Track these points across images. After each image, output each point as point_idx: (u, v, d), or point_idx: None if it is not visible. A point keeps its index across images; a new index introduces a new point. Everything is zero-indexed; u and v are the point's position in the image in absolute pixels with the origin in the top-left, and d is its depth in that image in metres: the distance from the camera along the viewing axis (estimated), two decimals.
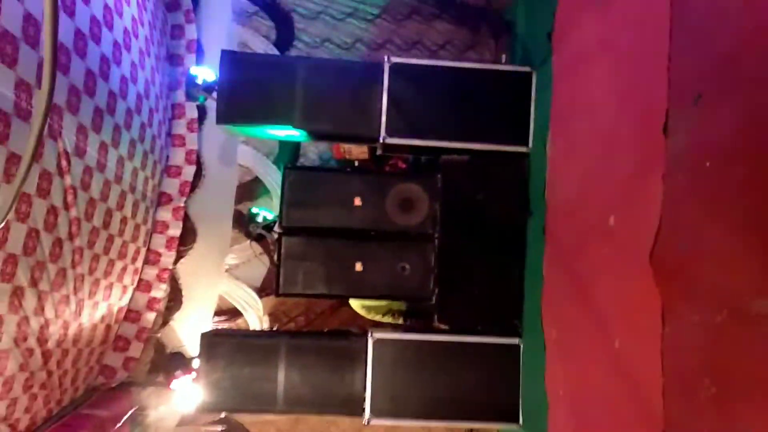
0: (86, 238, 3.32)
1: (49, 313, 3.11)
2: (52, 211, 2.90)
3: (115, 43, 3.33)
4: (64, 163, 2.92)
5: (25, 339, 2.93)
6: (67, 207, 3.04)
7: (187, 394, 3.82)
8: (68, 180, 2.98)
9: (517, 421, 3.56)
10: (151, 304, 4.48)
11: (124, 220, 3.81)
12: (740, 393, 1.75)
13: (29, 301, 2.85)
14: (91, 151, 3.17)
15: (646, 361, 2.21)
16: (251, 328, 4.75)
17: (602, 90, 2.84)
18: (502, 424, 3.67)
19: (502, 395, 3.59)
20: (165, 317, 4.66)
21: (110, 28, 3.25)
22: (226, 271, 4.82)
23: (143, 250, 4.33)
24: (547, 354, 3.26)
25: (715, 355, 1.85)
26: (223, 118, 3.59)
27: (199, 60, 4.68)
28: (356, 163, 4.62)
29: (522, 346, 3.62)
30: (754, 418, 1.70)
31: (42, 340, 3.13)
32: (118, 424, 4.08)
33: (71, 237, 3.14)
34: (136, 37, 3.65)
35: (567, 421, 3.01)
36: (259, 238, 3.97)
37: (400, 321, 4.48)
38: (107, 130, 3.33)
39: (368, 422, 3.55)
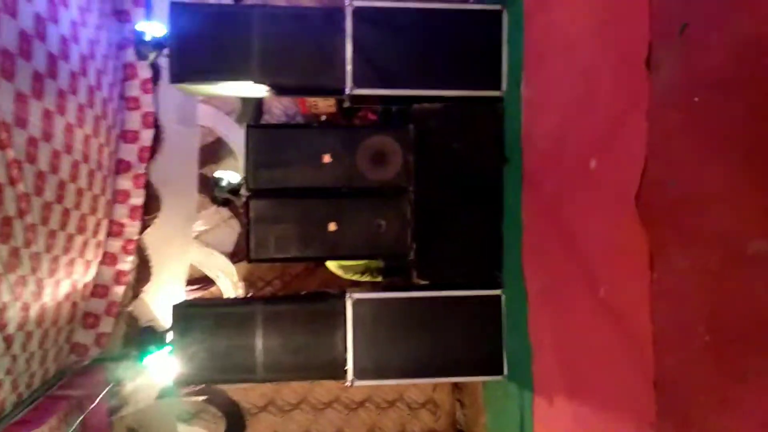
0: (39, 214, 3.10)
1: (6, 296, 2.92)
2: None
3: (50, 0, 3.04)
4: (3, 134, 2.67)
5: None
6: (12, 182, 2.81)
7: (162, 367, 3.70)
8: (10, 153, 2.74)
9: (501, 372, 3.52)
10: (118, 278, 4.29)
11: (79, 192, 3.58)
12: (736, 339, 1.67)
13: None
14: (34, 120, 2.92)
15: (634, 309, 2.13)
16: (226, 296, 4.62)
17: (578, 25, 2.68)
18: (487, 377, 3.63)
19: (485, 348, 3.55)
20: (135, 290, 4.48)
21: None
22: (195, 237, 4.64)
23: (105, 222, 4.11)
24: (530, 303, 3.19)
25: (709, 300, 1.76)
26: (177, 77, 3.36)
27: (149, 14, 4.37)
28: (324, 118, 4.43)
29: (503, 297, 3.55)
30: (750, 364, 1.63)
31: (1, 325, 2.96)
32: (95, 402, 3.96)
33: (21, 214, 2.92)
34: None
35: (554, 369, 2.96)
36: (225, 203, 3.79)
37: (379, 279, 4.38)
38: (50, 95, 3.07)
39: (352, 384, 3.48)
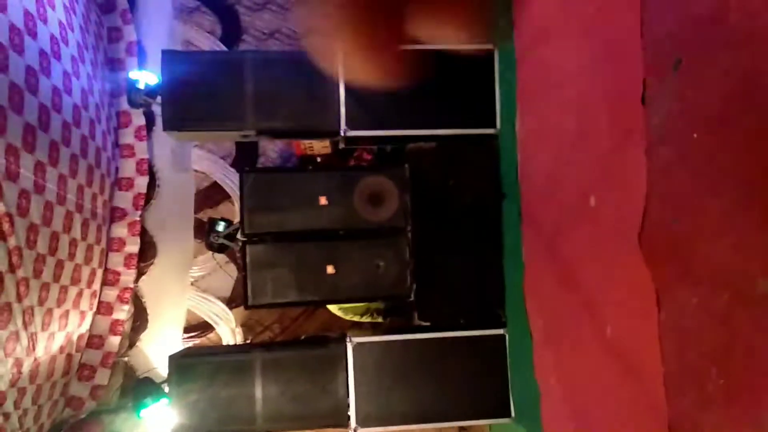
0: (31, 268, 3.06)
1: None
2: None
3: (42, 52, 3.05)
4: None
5: None
6: (3, 237, 2.77)
7: (160, 420, 3.59)
8: (1, 207, 2.71)
9: (509, 415, 3.42)
10: (114, 327, 4.22)
11: (73, 243, 3.54)
12: (749, 383, 1.61)
13: None
14: (26, 173, 2.90)
15: (643, 349, 2.06)
16: (224, 342, 4.53)
17: (570, 62, 2.67)
18: (494, 420, 3.53)
19: (491, 389, 3.45)
20: (131, 339, 4.40)
21: (34, 36, 2.96)
22: (192, 284, 4.57)
23: (99, 272, 4.06)
24: (535, 343, 3.11)
25: (720, 341, 1.70)
26: (169, 125, 3.34)
27: (142, 63, 4.40)
28: (319, 159, 4.41)
29: (507, 337, 3.47)
30: (765, 410, 1.56)
31: None
32: None
33: (12, 269, 2.88)
34: (66, 43, 3.36)
35: (562, 411, 2.87)
36: (221, 249, 3.73)
37: (380, 320, 4.30)
38: (42, 147, 3.05)
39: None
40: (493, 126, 3.54)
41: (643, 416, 2.11)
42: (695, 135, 1.77)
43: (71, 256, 3.53)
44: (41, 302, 3.24)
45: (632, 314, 2.14)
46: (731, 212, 1.63)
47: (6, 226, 2.76)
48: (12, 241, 2.83)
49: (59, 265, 3.39)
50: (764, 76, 1.51)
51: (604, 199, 2.34)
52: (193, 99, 3.35)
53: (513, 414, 3.42)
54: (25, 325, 3.09)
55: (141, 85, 3.44)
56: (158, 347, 4.39)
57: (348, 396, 3.38)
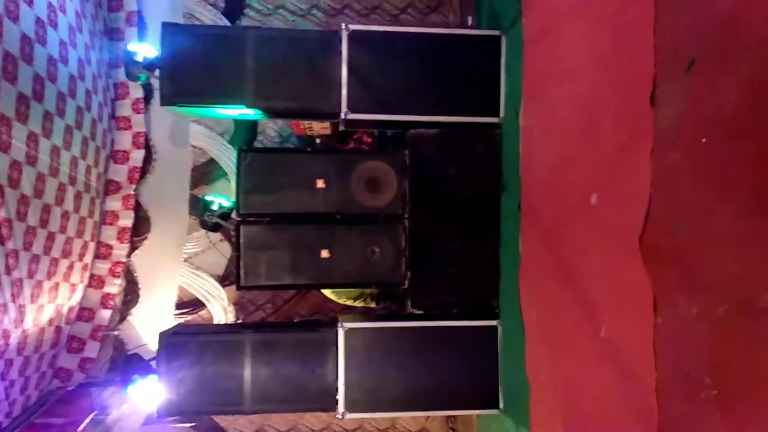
0: (21, 240, 3.01)
1: None
2: None
3: (38, 20, 2.97)
4: None
5: None
6: None
7: (148, 395, 3.58)
8: None
9: (497, 406, 3.41)
10: (105, 301, 4.19)
11: (65, 215, 3.49)
12: (744, 395, 1.58)
13: None
14: (18, 144, 2.84)
15: (637, 353, 2.04)
16: (216, 320, 4.50)
17: (580, 54, 2.61)
18: (482, 411, 3.52)
19: (480, 380, 3.44)
20: (122, 313, 4.38)
21: (30, 3, 2.88)
22: (186, 260, 4.54)
23: (92, 245, 4.02)
24: (527, 337, 3.09)
25: (717, 351, 1.67)
26: (167, 100, 3.26)
27: (142, 34, 4.30)
28: (318, 140, 4.34)
29: (500, 328, 3.45)
30: (759, 424, 1.54)
31: None
32: (78, 429, 3.84)
33: (2, 240, 2.83)
34: (64, 11, 3.28)
35: (551, 407, 2.86)
36: (215, 228, 3.68)
37: (373, 305, 4.27)
38: (35, 118, 2.99)
39: (343, 416, 3.36)
40: (497, 114, 3.48)
41: (633, 420, 2.09)
42: (704, 140, 1.72)
43: (63, 228, 3.48)
44: (31, 275, 3.20)
45: (628, 317, 2.11)
46: (737, 222, 1.59)
47: None
48: (2, 213, 2.78)
49: (50, 237, 3.34)
50: None
51: (606, 199, 2.30)
52: (193, 74, 3.28)
53: (501, 406, 3.42)
54: (14, 297, 3.05)
55: (139, 58, 3.36)
56: (149, 322, 4.37)
57: (337, 381, 3.36)
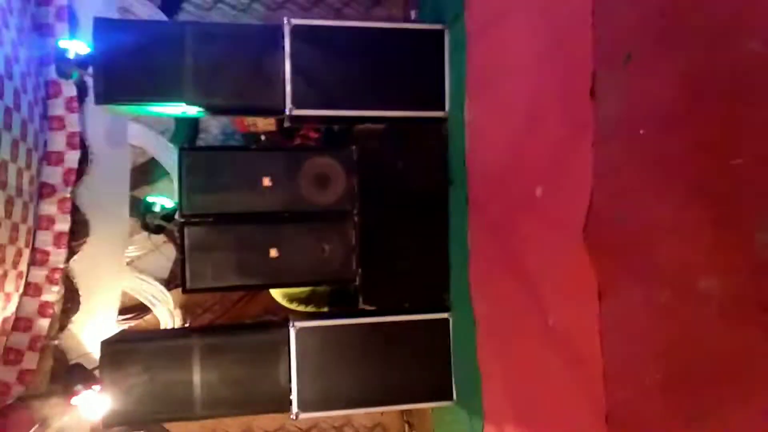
0: None
1: None
2: None
3: None
4: None
5: None
6: None
7: (92, 406, 3.45)
8: None
9: (450, 398, 3.44)
10: (42, 309, 3.99)
11: None
12: (687, 379, 1.64)
13: None
14: None
15: (584, 340, 2.09)
16: (162, 324, 4.37)
17: (521, 50, 2.64)
18: (436, 403, 3.55)
19: (433, 373, 3.46)
20: (62, 321, 4.18)
21: None
22: (128, 264, 4.38)
23: (26, 251, 3.82)
24: (478, 329, 3.13)
25: (660, 337, 1.73)
26: (102, 98, 3.13)
27: (73, 29, 4.10)
28: (263, 137, 4.26)
29: (451, 321, 3.48)
30: (701, 405, 1.59)
31: None
32: None
33: None
34: None
35: (503, 396, 2.90)
36: (158, 230, 3.57)
37: (325, 309, 4.23)
38: None
39: (297, 417, 3.33)
40: (443, 109, 3.49)
41: (582, 406, 2.14)
42: (642, 131, 1.77)
43: None
44: None
45: (574, 306, 2.16)
46: (677, 210, 1.64)
47: None
48: None
49: None
50: (714, 75, 1.50)
51: (550, 191, 2.34)
52: (128, 71, 3.16)
53: (455, 398, 3.45)
54: None
55: (71, 55, 3.21)
56: (91, 330, 4.20)
57: (290, 381, 3.32)
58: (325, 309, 4.22)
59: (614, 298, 1.92)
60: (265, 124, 4.21)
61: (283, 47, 3.29)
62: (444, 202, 3.52)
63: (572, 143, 2.14)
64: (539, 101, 2.44)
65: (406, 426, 4.71)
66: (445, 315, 3.49)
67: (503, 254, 2.84)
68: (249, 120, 4.18)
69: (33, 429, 3.83)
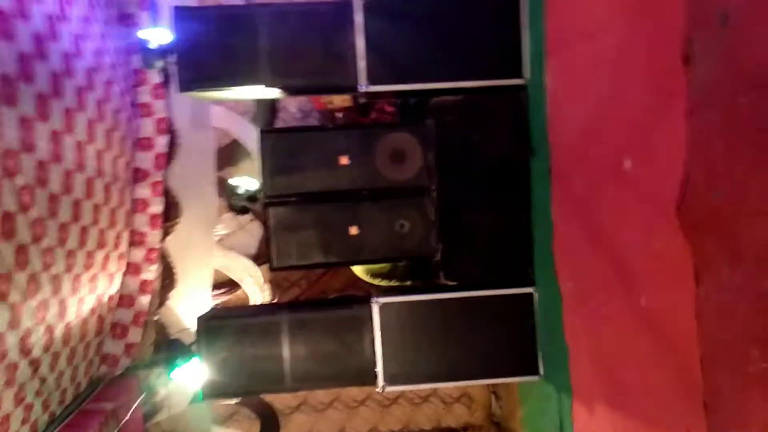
0: (55, 237, 3.05)
1: (27, 322, 2.89)
2: (7, 217, 2.62)
3: (48, 17, 2.93)
4: (10, 162, 2.61)
5: (4, 356, 2.73)
6: (24, 209, 2.75)
7: (192, 376, 3.68)
8: (19, 180, 2.68)
9: (537, 372, 3.39)
10: (143, 287, 4.26)
11: (96, 208, 3.52)
12: None
13: (0, 318, 2.63)
14: (41, 144, 2.85)
15: (679, 324, 1.97)
16: (251, 299, 4.56)
17: (606, 9, 2.47)
18: (523, 378, 3.51)
19: (518, 347, 3.41)
20: (161, 297, 4.45)
21: (38, 0, 2.84)
22: (218, 242, 4.57)
23: (125, 234, 4.07)
24: (564, 304, 3.04)
25: (764, 324, 1.60)
26: (185, 86, 3.23)
27: (155, 17, 4.24)
28: (339, 114, 4.27)
29: (536, 295, 3.40)
30: None
31: (25, 351, 2.93)
32: (130, 411, 3.97)
33: (36, 239, 2.87)
34: (72, 4, 3.24)
35: (592, 377, 2.82)
36: (243, 211, 3.69)
37: (408, 283, 4.24)
38: (56, 116, 2.99)
39: (383, 390, 3.39)
40: (521, 76, 3.35)
41: (677, 389, 2.04)
42: (743, 100, 1.61)
43: (95, 221, 3.52)
44: (68, 269, 3.25)
45: (669, 287, 2.04)
46: None
47: (26, 199, 2.73)
48: (33, 213, 2.81)
49: (83, 231, 3.38)
50: None
51: (640, 164, 2.20)
52: (209, 58, 3.23)
53: (541, 372, 3.39)
54: (54, 293, 3.12)
55: (154, 45, 3.33)
56: (188, 305, 4.45)
57: (375, 356, 3.38)
58: (408, 283, 4.23)
59: (712, 280, 1.79)
60: (340, 100, 4.22)
61: (355, 23, 3.24)
62: (526, 173, 3.41)
63: (663, 113, 1.99)
64: (626, 66, 2.28)
65: (493, 396, 4.70)
66: (529, 290, 3.42)
67: (589, 228, 2.72)
68: (325, 98, 4.20)
69: (141, 397, 4.14)
